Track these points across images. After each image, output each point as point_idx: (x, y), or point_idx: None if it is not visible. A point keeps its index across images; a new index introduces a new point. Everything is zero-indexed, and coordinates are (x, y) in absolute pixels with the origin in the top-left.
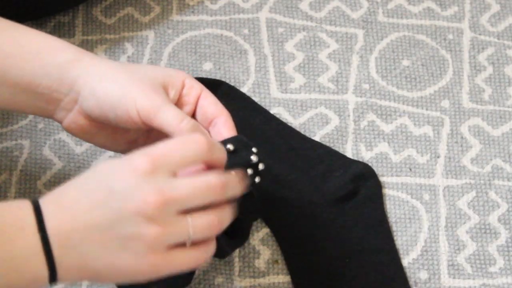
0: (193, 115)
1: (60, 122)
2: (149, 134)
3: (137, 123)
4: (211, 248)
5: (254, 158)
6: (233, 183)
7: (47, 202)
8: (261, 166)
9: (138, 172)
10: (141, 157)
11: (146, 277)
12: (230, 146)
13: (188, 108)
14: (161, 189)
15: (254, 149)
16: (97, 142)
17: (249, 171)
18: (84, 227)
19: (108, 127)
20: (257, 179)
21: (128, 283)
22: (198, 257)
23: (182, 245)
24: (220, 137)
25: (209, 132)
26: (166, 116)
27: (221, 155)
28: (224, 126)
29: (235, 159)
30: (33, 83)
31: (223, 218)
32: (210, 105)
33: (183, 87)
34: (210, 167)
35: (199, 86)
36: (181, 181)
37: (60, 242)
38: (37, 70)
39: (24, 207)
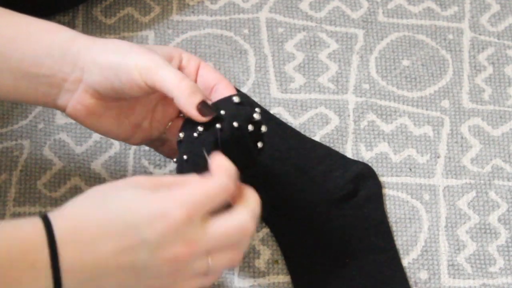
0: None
1: (64, 108)
2: (153, 116)
3: (140, 86)
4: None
5: (256, 116)
6: (258, 214)
7: (63, 232)
8: (263, 129)
9: (173, 226)
10: (177, 210)
11: None
12: (235, 98)
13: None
14: (193, 243)
15: (257, 109)
16: (102, 127)
17: (250, 127)
18: (107, 267)
19: (114, 106)
20: (259, 144)
21: None
22: (210, 281)
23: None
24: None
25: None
26: (167, 74)
27: (235, 188)
28: (226, 89)
29: (239, 110)
30: (36, 65)
31: (244, 252)
32: (210, 73)
33: (181, 61)
34: None
35: (197, 58)
36: (214, 229)
37: (75, 277)
38: (39, 51)
39: (36, 236)
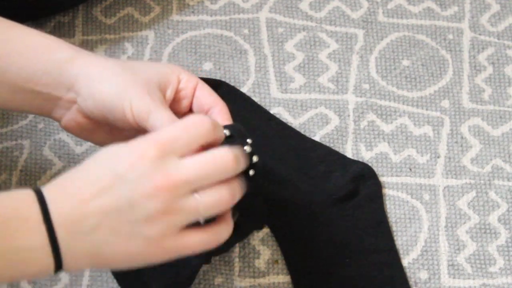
0: (191, 108)
1: (58, 120)
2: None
3: (133, 125)
4: (225, 228)
5: (247, 148)
6: (242, 156)
7: (50, 190)
8: (255, 159)
9: (146, 159)
10: (149, 143)
11: (158, 260)
12: (226, 132)
13: (186, 101)
14: (170, 174)
15: (249, 140)
16: (95, 140)
17: None
18: (93, 213)
19: (106, 124)
20: (251, 172)
21: (124, 271)
22: (210, 238)
23: (195, 226)
24: None
25: None
26: (159, 119)
27: (222, 134)
28: (219, 115)
29: (230, 145)
30: (32, 80)
31: (234, 190)
32: (205, 96)
33: (179, 83)
34: (209, 146)
35: (194, 78)
36: (189, 161)
37: (68, 231)
38: (36, 68)
39: (26, 196)
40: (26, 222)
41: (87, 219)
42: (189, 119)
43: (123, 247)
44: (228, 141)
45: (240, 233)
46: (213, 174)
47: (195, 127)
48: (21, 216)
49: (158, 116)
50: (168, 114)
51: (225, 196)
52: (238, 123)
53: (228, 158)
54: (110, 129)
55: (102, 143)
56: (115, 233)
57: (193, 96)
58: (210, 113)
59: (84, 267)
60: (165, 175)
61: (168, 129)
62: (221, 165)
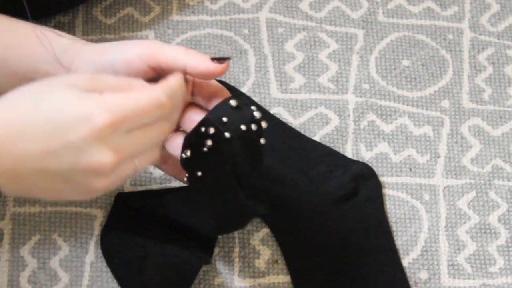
0: (192, 95)
1: None
2: None
3: (139, 68)
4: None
5: (257, 114)
6: (176, 92)
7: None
8: (264, 124)
9: (96, 131)
10: (101, 115)
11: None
12: (232, 102)
13: (187, 87)
14: (120, 149)
15: (253, 107)
16: None
17: (253, 126)
18: (33, 168)
19: None
20: (262, 141)
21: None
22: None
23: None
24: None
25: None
26: (171, 49)
27: (180, 99)
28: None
29: (239, 115)
30: (32, 70)
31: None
32: (206, 82)
33: None
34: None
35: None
36: (137, 134)
37: (4, 175)
38: (36, 57)
39: None
40: None
41: (24, 168)
42: (148, 93)
43: (56, 195)
44: (235, 112)
45: (244, 215)
46: (151, 119)
47: (154, 106)
48: None
49: (167, 47)
50: (178, 46)
51: (156, 152)
52: (238, 93)
53: (164, 101)
54: None
55: None
56: (51, 186)
57: (192, 82)
58: (212, 102)
59: (17, 195)
60: (113, 151)
61: (125, 101)
62: (159, 107)
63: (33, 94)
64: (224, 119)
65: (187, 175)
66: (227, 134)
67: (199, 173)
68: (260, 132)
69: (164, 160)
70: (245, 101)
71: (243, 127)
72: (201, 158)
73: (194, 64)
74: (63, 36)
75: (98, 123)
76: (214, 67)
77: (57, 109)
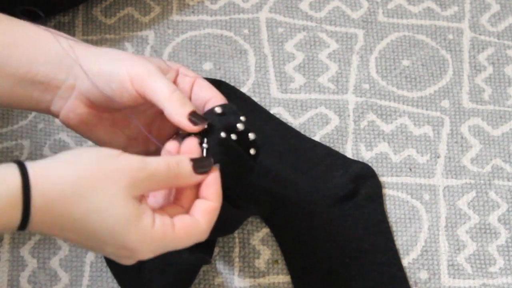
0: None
1: (57, 114)
2: (149, 131)
3: (131, 94)
4: None
5: (240, 126)
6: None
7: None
8: (251, 136)
9: (135, 260)
10: (144, 254)
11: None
12: (217, 109)
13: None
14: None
15: (242, 118)
16: (95, 137)
17: (233, 136)
18: (73, 226)
19: (107, 117)
20: (252, 151)
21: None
22: None
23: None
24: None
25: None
26: (158, 84)
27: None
28: (216, 103)
29: (221, 121)
30: (31, 71)
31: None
32: (204, 90)
33: (177, 75)
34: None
35: (193, 74)
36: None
37: (42, 217)
38: (35, 59)
39: (11, 174)
40: (6, 191)
41: (63, 224)
42: (190, 239)
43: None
44: (219, 118)
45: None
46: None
47: (194, 237)
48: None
49: (158, 80)
50: (169, 81)
51: None
52: (232, 103)
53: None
54: (111, 124)
55: (101, 141)
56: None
57: (191, 91)
58: (207, 105)
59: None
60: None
61: (169, 243)
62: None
63: (80, 187)
64: (206, 126)
65: None
66: (205, 139)
67: None
68: (245, 143)
69: None
70: (235, 109)
71: (222, 134)
72: None
73: (169, 112)
74: (65, 38)
75: (139, 257)
76: (186, 125)
77: (101, 224)
